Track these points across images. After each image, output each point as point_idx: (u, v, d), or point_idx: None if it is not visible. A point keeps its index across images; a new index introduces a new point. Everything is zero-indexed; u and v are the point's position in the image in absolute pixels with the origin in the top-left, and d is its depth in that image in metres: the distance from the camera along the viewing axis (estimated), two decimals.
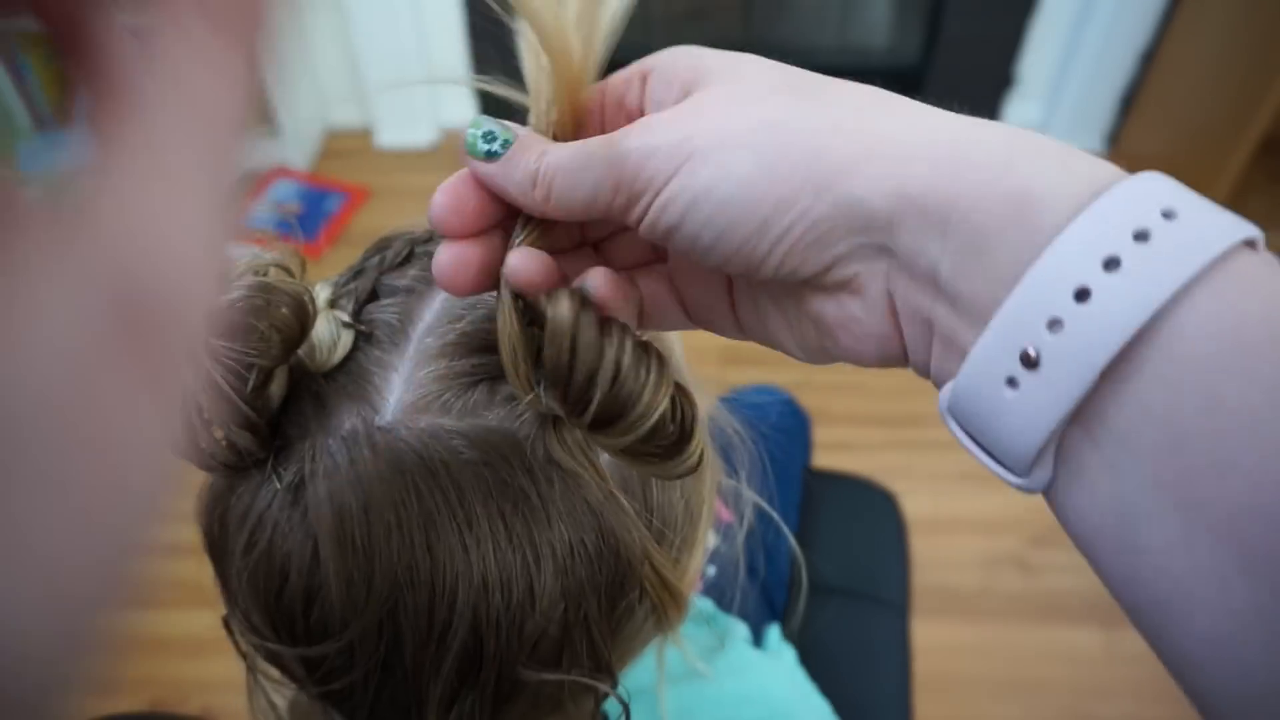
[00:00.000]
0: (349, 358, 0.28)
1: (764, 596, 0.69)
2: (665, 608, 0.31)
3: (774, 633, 0.67)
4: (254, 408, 0.26)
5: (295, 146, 2.09)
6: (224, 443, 0.26)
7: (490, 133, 0.23)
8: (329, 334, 0.28)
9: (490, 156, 0.23)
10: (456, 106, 2.22)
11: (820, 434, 1.01)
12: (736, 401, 0.90)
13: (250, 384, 0.25)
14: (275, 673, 0.32)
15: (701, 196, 0.21)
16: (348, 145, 2.22)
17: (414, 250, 0.32)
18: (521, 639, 0.27)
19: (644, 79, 0.25)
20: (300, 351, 0.27)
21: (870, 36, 2.27)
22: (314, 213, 1.99)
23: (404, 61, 2.06)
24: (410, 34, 2.03)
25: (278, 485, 0.27)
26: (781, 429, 0.87)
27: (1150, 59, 1.99)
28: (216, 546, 0.29)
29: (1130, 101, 2.06)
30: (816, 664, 0.71)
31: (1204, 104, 1.81)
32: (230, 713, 0.37)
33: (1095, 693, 1.25)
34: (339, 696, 0.29)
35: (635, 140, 0.22)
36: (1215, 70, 1.77)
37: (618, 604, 0.29)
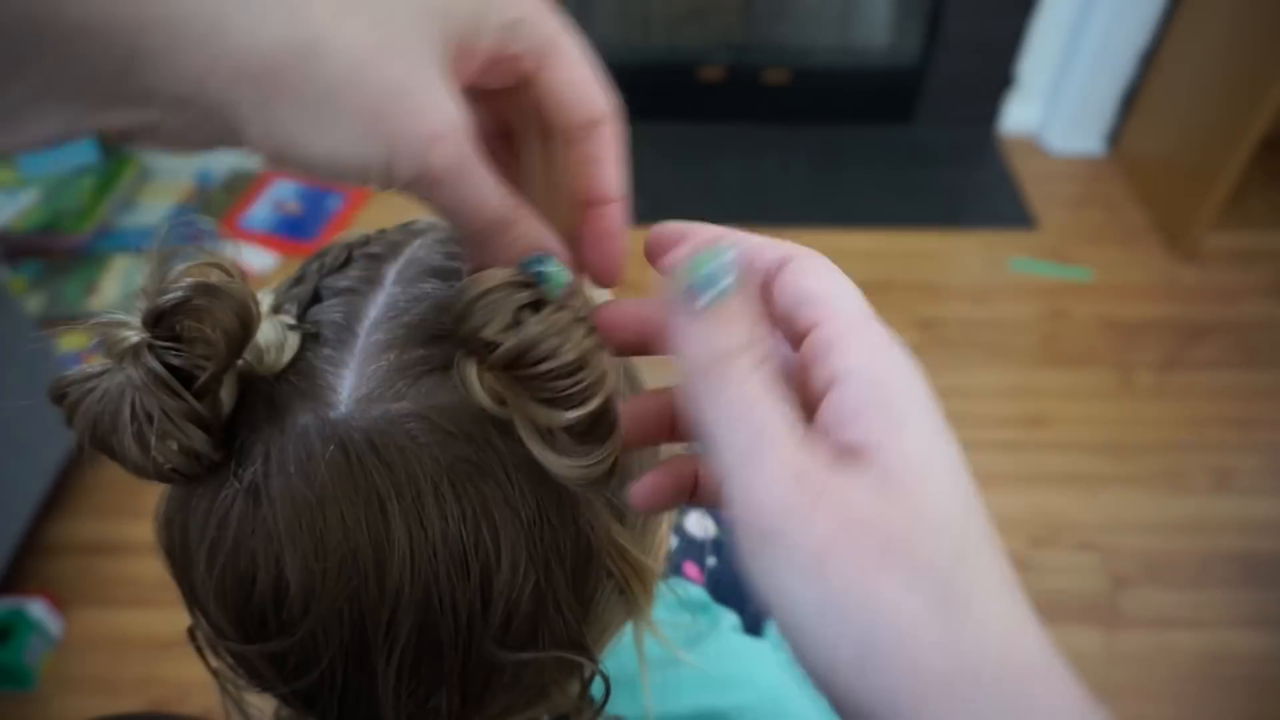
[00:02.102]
0: (298, 358, 0.28)
1: None
2: (630, 584, 0.31)
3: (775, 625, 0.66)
4: (207, 410, 0.26)
5: None
6: (177, 449, 0.26)
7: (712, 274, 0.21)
8: (275, 336, 0.28)
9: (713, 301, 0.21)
10: None
11: None
12: None
13: (199, 386, 0.25)
14: (248, 687, 0.32)
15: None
16: None
17: (352, 254, 0.31)
18: (487, 616, 0.27)
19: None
20: (248, 356, 0.27)
21: (870, 36, 2.27)
22: (314, 212, 1.99)
23: None
24: None
25: (238, 486, 0.27)
26: None
27: (1150, 59, 1.99)
28: (179, 558, 0.29)
29: (1130, 101, 2.06)
30: None
31: (1204, 104, 1.81)
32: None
33: (1096, 693, 1.25)
34: (310, 696, 0.29)
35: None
36: (1215, 70, 1.77)
37: (586, 581, 0.30)
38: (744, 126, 2.23)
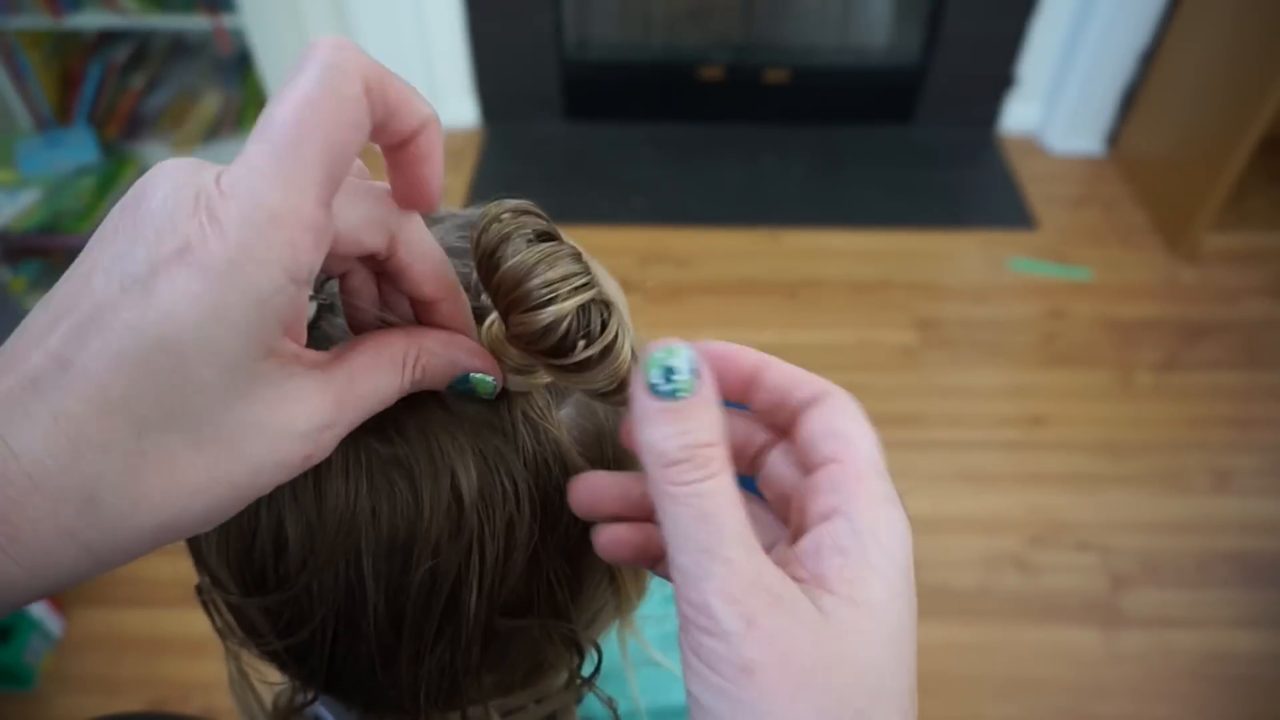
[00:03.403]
0: (314, 327, 0.29)
1: None
2: (623, 580, 0.32)
3: None
4: None
5: None
6: None
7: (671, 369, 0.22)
8: None
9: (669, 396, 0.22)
10: (456, 106, 2.22)
11: None
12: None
13: None
14: (245, 643, 0.32)
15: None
16: None
17: None
18: (486, 574, 0.28)
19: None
20: None
21: (870, 36, 2.27)
22: None
23: (404, 61, 2.06)
24: (410, 34, 2.03)
25: None
26: None
27: (1150, 59, 1.99)
28: None
29: (1130, 101, 2.06)
30: None
31: (1204, 104, 1.81)
32: (230, 712, 0.37)
33: (1095, 693, 1.25)
34: (301, 652, 0.30)
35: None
36: (1215, 70, 1.77)
37: (581, 559, 0.30)
38: (744, 126, 2.23)
